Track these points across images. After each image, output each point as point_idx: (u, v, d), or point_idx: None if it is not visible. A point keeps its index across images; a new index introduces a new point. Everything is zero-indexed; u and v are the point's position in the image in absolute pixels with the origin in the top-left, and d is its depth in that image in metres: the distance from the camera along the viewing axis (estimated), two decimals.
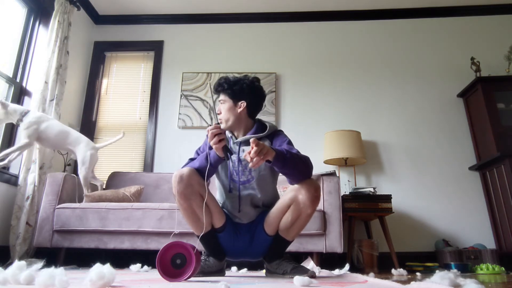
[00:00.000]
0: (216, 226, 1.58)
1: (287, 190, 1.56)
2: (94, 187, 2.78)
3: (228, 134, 1.69)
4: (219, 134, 1.44)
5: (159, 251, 1.20)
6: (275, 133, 1.70)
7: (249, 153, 1.31)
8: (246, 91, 1.68)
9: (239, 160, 1.61)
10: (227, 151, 1.46)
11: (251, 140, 1.31)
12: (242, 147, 1.63)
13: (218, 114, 1.70)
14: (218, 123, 1.51)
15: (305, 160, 1.49)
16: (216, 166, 1.55)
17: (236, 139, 1.67)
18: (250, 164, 1.32)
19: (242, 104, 1.67)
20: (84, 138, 2.65)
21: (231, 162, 1.63)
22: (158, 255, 1.20)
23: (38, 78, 2.93)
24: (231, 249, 1.63)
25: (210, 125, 1.49)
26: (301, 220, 1.53)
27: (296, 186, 1.51)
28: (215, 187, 1.73)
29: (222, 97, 1.68)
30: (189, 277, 1.21)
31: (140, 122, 3.66)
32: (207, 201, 1.53)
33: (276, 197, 1.69)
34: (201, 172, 1.51)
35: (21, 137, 2.49)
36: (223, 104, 1.67)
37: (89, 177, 2.59)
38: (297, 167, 1.45)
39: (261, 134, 1.66)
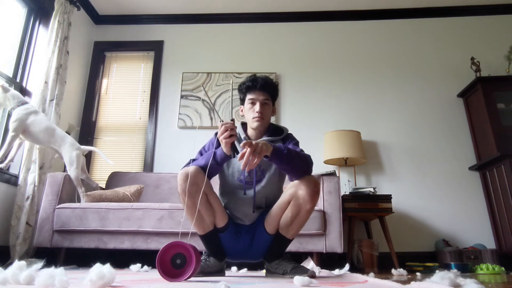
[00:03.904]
0: (218, 226, 1.59)
1: (287, 187, 1.56)
2: (89, 189, 2.77)
3: (242, 135, 1.68)
4: (232, 130, 1.45)
5: (159, 251, 1.20)
6: (287, 136, 1.72)
7: (243, 155, 1.32)
8: (277, 95, 1.73)
9: None
10: (234, 149, 1.47)
11: (241, 144, 1.34)
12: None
13: (261, 113, 1.61)
14: (233, 119, 1.50)
15: (305, 157, 1.51)
16: (221, 164, 1.55)
17: (249, 139, 1.66)
18: (247, 167, 1.33)
19: (275, 109, 1.73)
20: (69, 138, 2.61)
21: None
22: (158, 255, 1.19)
23: (38, 78, 2.93)
24: (232, 249, 1.63)
25: (222, 121, 1.48)
26: (300, 216, 1.53)
27: (295, 182, 1.52)
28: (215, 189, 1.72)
29: (266, 96, 1.65)
30: (189, 277, 1.21)
31: (140, 122, 3.66)
32: (211, 200, 1.53)
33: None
34: (207, 170, 1.51)
35: (10, 129, 2.49)
36: (267, 105, 1.65)
37: (80, 176, 2.57)
38: (295, 163, 1.47)
39: (278, 137, 1.67)
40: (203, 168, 1.50)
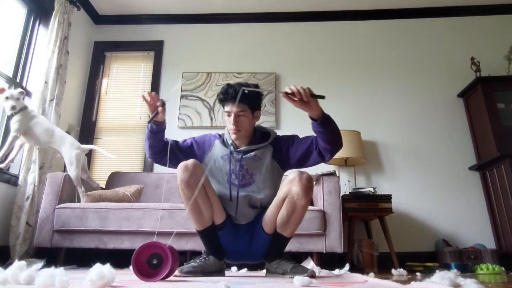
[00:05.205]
0: (216, 223, 1.59)
1: (281, 186, 1.57)
2: (90, 189, 2.77)
3: (228, 141, 1.68)
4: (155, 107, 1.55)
5: (134, 252, 1.20)
6: (277, 139, 1.70)
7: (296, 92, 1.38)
8: (260, 100, 1.66)
9: (241, 165, 1.62)
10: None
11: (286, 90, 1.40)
12: (245, 155, 1.64)
13: (236, 125, 1.58)
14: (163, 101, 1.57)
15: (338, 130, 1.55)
16: (154, 131, 1.61)
17: (237, 147, 1.66)
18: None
19: (258, 114, 1.67)
20: (69, 138, 2.62)
21: (231, 165, 1.63)
22: (133, 256, 1.19)
23: (38, 78, 2.93)
24: (230, 249, 1.63)
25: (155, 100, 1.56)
26: (296, 213, 1.53)
27: (289, 179, 1.52)
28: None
29: (241, 107, 1.57)
30: (166, 276, 1.21)
31: (140, 122, 3.66)
32: (209, 194, 1.53)
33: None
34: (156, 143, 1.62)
35: (11, 130, 2.49)
36: (243, 117, 1.58)
37: (80, 176, 2.58)
38: (336, 130, 1.51)
39: (265, 143, 1.66)
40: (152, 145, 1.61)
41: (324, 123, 1.47)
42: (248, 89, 1.51)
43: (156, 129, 1.59)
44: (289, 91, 1.40)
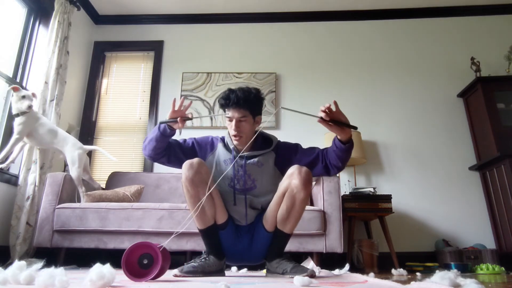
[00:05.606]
0: (218, 222, 1.59)
1: (281, 182, 1.58)
2: (91, 190, 2.77)
3: (230, 145, 1.68)
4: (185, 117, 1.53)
5: (124, 252, 1.20)
6: (278, 146, 1.71)
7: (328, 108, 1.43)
8: (261, 105, 1.67)
9: (245, 172, 1.63)
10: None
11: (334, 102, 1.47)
12: (248, 161, 1.64)
13: (237, 131, 1.58)
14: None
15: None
16: (167, 135, 1.59)
17: (238, 152, 1.66)
18: (323, 113, 1.43)
19: (259, 119, 1.67)
20: (71, 139, 2.65)
21: (234, 170, 1.63)
22: (123, 256, 1.19)
23: (38, 78, 2.93)
24: (232, 250, 1.63)
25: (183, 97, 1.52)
26: (296, 207, 1.53)
27: (288, 174, 1.53)
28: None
29: (243, 113, 1.57)
30: (156, 276, 1.21)
31: (140, 122, 3.66)
32: (212, 192, 1.53)
33: None
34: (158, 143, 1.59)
35: (14, 131, 2.50)
36: (244, 122, 1.59)
37: (81, 176, 2.59)
38: (351, 152, 1.57)
39: (268, 150, 1.67)
40: (156, 145, 1.59)
41: (350, 147, 1.53)
42: (285, 108, 1.54)
43: (169, 133, 1.60)
44: (322, 115, 1.44)
